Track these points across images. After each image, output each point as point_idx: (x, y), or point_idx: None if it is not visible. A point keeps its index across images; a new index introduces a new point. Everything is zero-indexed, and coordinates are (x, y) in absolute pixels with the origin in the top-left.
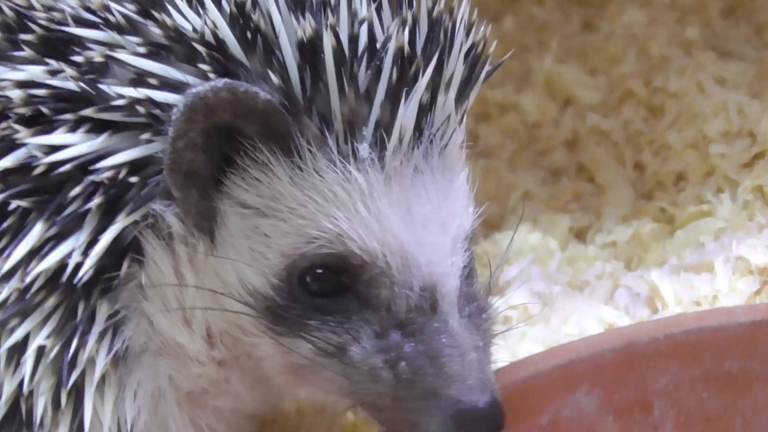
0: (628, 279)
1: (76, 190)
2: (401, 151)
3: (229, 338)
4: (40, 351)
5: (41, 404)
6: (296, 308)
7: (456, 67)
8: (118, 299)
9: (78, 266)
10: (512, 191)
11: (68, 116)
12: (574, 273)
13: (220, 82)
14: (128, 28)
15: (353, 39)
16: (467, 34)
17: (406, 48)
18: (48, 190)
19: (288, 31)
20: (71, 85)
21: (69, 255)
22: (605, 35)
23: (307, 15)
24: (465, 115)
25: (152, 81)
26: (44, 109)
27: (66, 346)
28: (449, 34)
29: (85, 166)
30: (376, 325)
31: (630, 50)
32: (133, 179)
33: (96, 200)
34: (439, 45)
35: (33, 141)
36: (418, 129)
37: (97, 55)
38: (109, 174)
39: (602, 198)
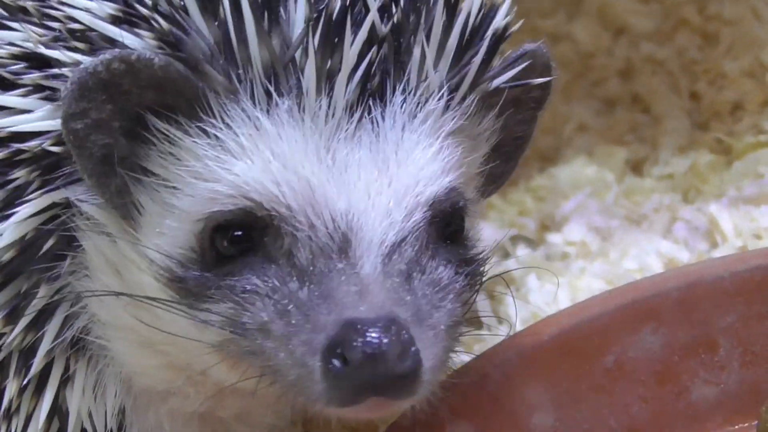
0: (686, 212)
1: (2, 155)
2: (333, 104)
3: (166, 342)
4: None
5: (9, 390)
6: (200, 278)
7: (434, 19)
8: (60, 287)
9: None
10: (566, 123)
11: (25, 81)
12: (631, 206)
13: (110, 53)
14: None
15: None
16: None
17: None
18: None
19: None
20: (31, 47)
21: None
22: None
23: None
24: (467, 87)
25: (81, 45)
26: (5, 73)
27: (11, 327)
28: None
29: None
30: (274, 279)
31: None
32: (57, 149)
33: (22, 172)
34: None
35: None
36: (363, 83)
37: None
38: (33, 143)
39: (658, 128)
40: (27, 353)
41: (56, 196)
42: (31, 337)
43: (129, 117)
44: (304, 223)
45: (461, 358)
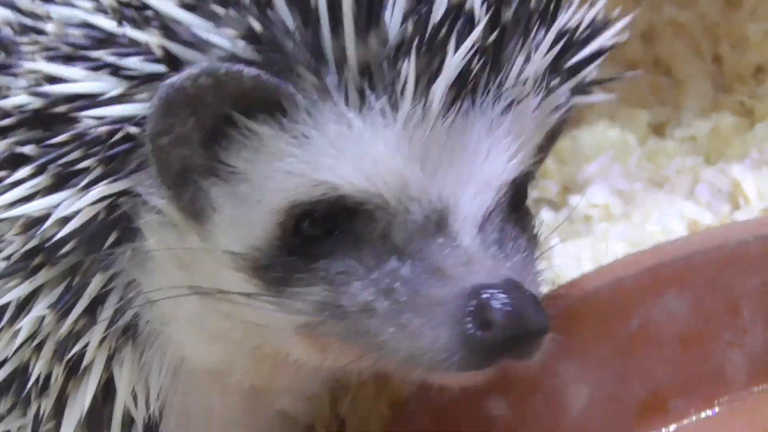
0: (708, 174)
1: (66, 135)
2: (428, 106)
3: (241, 330)
4: (40, 320)
5: (39, 371)
6: (287, 263)
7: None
8: (113, 273)
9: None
10: None
11: (89, 56)
12: (654, 169)
13: (197, 67)
14: None
15: None
16: None
17: None
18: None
19: None
20: (106, 25)
21: (55, 206)
22: None
23: None
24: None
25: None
26: (66, 47)
27: (63, 317)
28: None
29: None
30: (369, 259)
31: None
32: (135, 131)
33: (90, 153)
34: None
35: (44, 68)
36: (459, 87)
37: None
38: (106, 128)
39: (680, 91)
40: (69, 339)
41: (121, 185)
42: (81, 324)
43: (209, 126)
44: (400, 210)
45: None
